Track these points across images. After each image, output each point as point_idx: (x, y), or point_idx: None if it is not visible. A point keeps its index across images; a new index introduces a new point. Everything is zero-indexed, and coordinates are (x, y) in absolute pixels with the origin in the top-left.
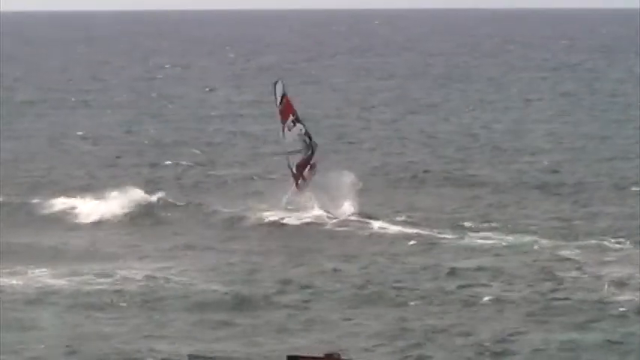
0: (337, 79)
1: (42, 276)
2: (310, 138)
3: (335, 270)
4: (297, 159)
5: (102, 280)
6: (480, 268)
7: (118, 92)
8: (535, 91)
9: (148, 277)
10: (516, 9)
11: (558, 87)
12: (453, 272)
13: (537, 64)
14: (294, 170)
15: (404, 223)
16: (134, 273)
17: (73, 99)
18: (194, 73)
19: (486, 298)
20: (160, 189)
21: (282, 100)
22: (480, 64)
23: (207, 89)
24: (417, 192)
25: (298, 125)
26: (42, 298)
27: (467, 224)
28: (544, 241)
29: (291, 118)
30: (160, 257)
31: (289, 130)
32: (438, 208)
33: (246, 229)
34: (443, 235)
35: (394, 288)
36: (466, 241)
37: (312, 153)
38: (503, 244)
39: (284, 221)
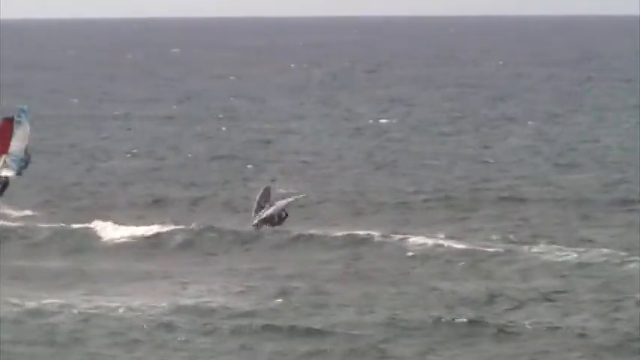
0: (403, 89)
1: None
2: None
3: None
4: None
5: (154, 305)
6: (547, 287)
7: (169, 105)
8: (606, 102)
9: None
10: (581, 15)
11: (631, 99)
12: (521, 293)
13: (611, 76)
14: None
15: (465, 241)
16: (184, 299)
17: (117, 112)
18: (251, 82)
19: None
20: (197, 211)
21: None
22: (553, 75)
23: (262, 101)
24: (476, 209)
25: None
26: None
27: (530, 240)
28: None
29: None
30: (208, 282)
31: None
32: (499, 226)
33: (294, 250)
34: (507, 250)
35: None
36: (532, 257)
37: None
38: (570, 261)
39: (322, 235)
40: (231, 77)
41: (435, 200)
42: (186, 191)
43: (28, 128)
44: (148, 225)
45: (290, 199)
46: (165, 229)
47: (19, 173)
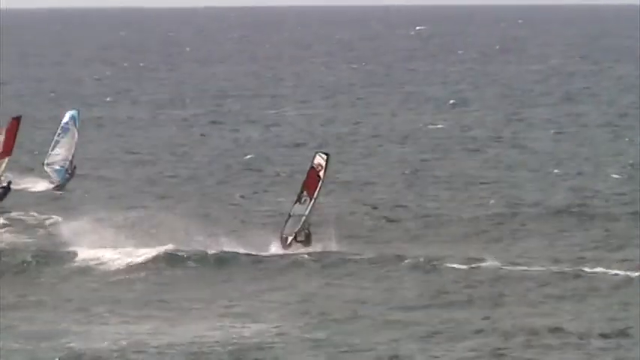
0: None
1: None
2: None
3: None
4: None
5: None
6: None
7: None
8: None
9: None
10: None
11: None
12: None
13: None
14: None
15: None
16: (212, 330)
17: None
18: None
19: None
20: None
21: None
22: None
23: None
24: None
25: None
26: None
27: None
28: None
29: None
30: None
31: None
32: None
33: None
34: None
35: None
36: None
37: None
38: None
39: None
40: (268, 75)
41: (498, 217)
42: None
43: (77, 136)
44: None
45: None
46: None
47: (60, 186)
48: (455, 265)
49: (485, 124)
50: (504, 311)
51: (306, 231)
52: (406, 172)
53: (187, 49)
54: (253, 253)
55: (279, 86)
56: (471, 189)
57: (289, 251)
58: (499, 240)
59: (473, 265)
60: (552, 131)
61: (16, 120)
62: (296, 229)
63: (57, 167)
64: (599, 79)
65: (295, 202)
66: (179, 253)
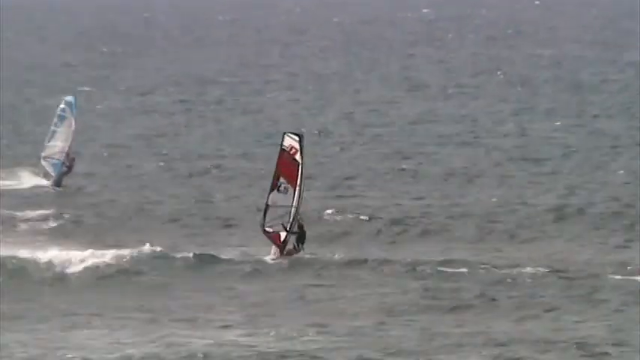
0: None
1: None
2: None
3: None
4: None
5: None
6: None
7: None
8: None
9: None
10: None
11: None
12: None
13: None
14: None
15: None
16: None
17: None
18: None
19: None
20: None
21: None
22: None
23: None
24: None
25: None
26: None
27: None
28: None
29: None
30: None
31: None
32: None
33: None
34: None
35: None
36: None
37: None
38: None
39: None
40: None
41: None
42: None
43: (74, 125)
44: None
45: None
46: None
47: (58, 183)
48: (449, 269)
49: (487, 114)
50: (499, 316)
51: (300, 222)
52: (397, 166)
53: (172, 33)
54: (236, 257)
55: (268, 73)
56: (466, 185)
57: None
58: (496, 240)
59: (464, 269)
60: (558, 122)
61: None
62: (284, 221)
63: (54, 161)
64: (613, 66)
65: (271, 191)
66: (155, 255)
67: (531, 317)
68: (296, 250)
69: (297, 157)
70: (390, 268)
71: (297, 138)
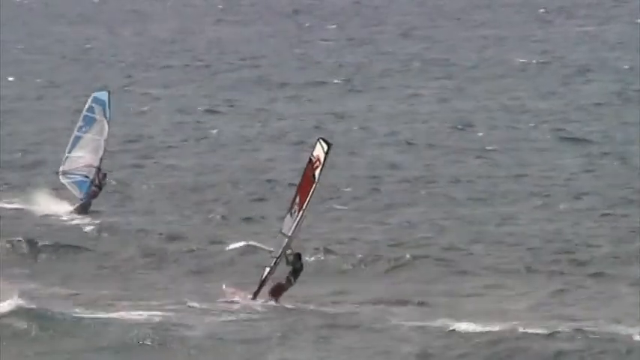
0: None
1: None
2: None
3: None
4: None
5: None
6: None
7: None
8: None
9: None
10: None
11: None
12: None
13: None
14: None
15: None
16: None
17: None
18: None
19: None
20: None
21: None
22: None
23: None
24: None
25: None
26: None
27: None
28: None
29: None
30: None
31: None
32: None
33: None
34: None
35: None
36: None
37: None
38: None
39: None
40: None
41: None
42: None
43: (107, 129)
44: None
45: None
46: None
47: (84, 206)
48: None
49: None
50: None
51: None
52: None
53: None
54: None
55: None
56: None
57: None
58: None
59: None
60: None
61: None
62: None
63: (78, 177)
64: None
65: (287, 214)
66: None
67: None
68: (290, 283)
69: (317, 172)
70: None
71: (325, 147)
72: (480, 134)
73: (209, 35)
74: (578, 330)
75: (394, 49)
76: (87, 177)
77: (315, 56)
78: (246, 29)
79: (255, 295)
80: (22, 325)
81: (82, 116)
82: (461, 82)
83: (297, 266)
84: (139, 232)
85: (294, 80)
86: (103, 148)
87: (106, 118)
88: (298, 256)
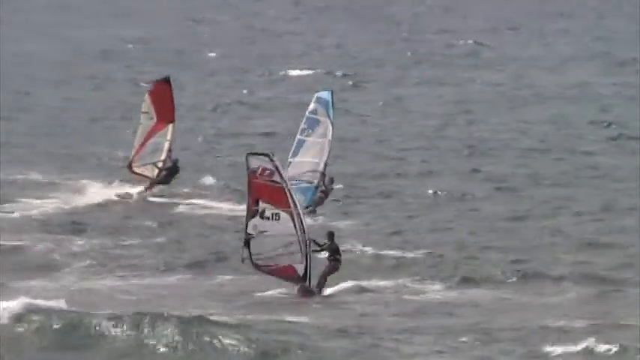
0: None
1: None
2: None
3: None
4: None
5: None
6: None
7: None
8: None
9: None
10: None
11: None
12: None
13: None
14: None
15: None
16: None
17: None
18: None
19: None
20: None
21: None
22: None
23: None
24: None
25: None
26: None
27: None
28: None
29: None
30: None
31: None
32: None
33: None
34: None
35: None
36: None
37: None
38: None
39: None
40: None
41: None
42: None
43: (331, 131)
44: None
45: None
46: None
47: (312, 211)
48: None
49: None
50: None
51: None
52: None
53: None
54: None
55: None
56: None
57: None
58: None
59: None
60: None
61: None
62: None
63: (303, 184)
64: None
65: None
66: None
67: None
68: (338, 263)
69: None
70: None
71: (265, 158)
72: None
73: None
74: None
75: None
76: (310, 183)
77: None
78: None
79: (320, 288)
80: (24, 325)
81: (304, 118)
82: None
83: (334, 246)
84: None
85: None
86: (327, 151)
87: (329, 118)
88: (331, 235)
